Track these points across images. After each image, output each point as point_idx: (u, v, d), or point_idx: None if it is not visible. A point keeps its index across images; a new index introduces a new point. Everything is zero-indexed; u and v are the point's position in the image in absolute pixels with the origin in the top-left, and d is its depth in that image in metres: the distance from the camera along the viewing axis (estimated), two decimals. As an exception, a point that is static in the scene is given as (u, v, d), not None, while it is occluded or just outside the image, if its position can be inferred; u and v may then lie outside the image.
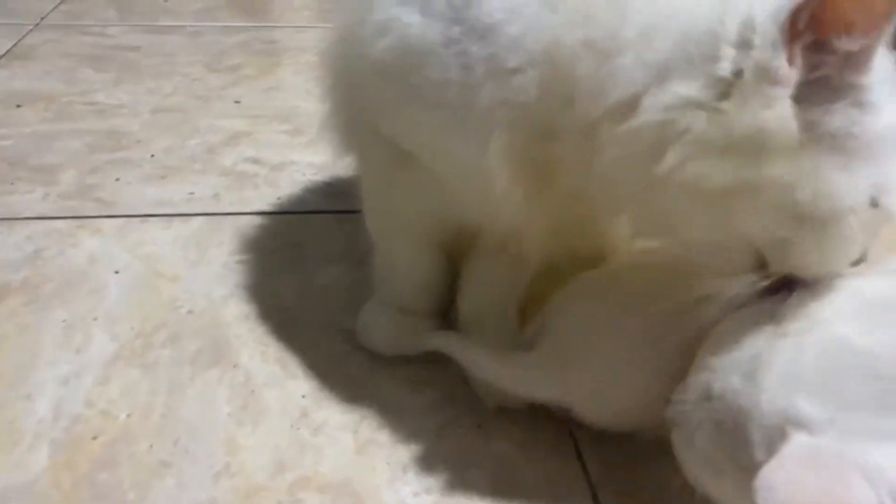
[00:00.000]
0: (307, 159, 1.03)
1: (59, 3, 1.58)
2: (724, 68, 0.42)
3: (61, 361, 0.67)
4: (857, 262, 0.46)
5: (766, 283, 0.46)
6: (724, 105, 0.42)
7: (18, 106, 1.13)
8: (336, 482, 0.58)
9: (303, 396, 0.66)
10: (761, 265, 0.46)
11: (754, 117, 0.41)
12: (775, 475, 0.36)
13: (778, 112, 0.41)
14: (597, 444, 0.60)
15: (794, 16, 0.40)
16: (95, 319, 0.72)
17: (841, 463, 0.35)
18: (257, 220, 0.89)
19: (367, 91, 0.57)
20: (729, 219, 0.44)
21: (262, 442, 0.61)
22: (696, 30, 0.42)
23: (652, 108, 0.43)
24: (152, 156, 1.02)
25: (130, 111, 1.14)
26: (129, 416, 0.63)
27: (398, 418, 0.64)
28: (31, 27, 1.44)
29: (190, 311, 0.75)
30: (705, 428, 0.43)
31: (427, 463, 0.60)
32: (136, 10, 1.58)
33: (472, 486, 0.58)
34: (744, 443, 0.39)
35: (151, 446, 0.60)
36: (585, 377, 0.56)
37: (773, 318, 0.43)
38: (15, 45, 1.36)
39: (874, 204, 0.43)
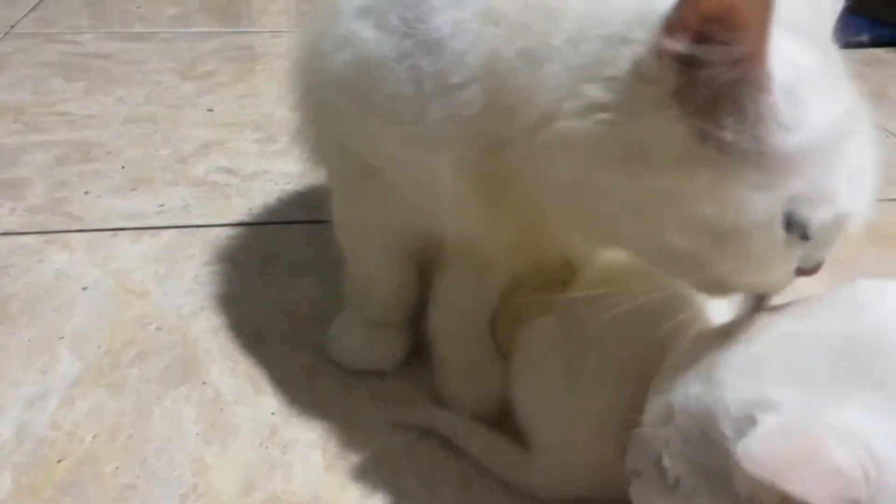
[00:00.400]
0: (280, 168, 1.02)
1: (30, 11, 1.56)
2: (611, 69, 0.40)
3: (26, 382, 0.66)
4: (811, 272, 0.44)
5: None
6: (620, 108, 0.40)
7: (-13, 118, 1.12)
8: (305, 501, 0.57)
9: (272, 413, 0.65)
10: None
11: (640, 122, 0.39)
12: (754, 447, 0.36)
13: (662, 117, 0.38)
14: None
15: (676, 7, 0.36)
16: (62, 338, 0.71)
17: (815, 429, 0.36)
18: (229, 231, 0.89)
19: (331, 104, 0.57)
20: (653, 230, 0.42)
21: (231, 461, 0.60)
22: (612, 31, 0.41)
23: (566, 114, 0.41)
24: (123, 167, 1.01)
25: (101, 121, 1.13)
26: (94, 437, 0.62)
27: (368, 435, 0.63)
28: (0, 36, 1.42)
29: (159, 328, 0.74)
30: (672, 445, 0.42)
31: (397, 481, 0.59)
32: (109, 16, 1.56)
33: (443, 504, 0.57)
34: (715, 444, 0.39)
35: (118, 468, 0.59)
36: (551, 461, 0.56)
37: (718, 334, 0.43)
38: (-16, 54, 1.34)
39: (790, 223, 0.40)
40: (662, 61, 0.38)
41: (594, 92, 0.41)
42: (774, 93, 0.38)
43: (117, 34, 1.46)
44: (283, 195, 0.96)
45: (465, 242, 0.58)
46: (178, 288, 0.79)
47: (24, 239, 0.85)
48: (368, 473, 0.60)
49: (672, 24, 0.37)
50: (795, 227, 0.40)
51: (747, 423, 0.37)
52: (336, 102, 0.56)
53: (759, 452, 0.35)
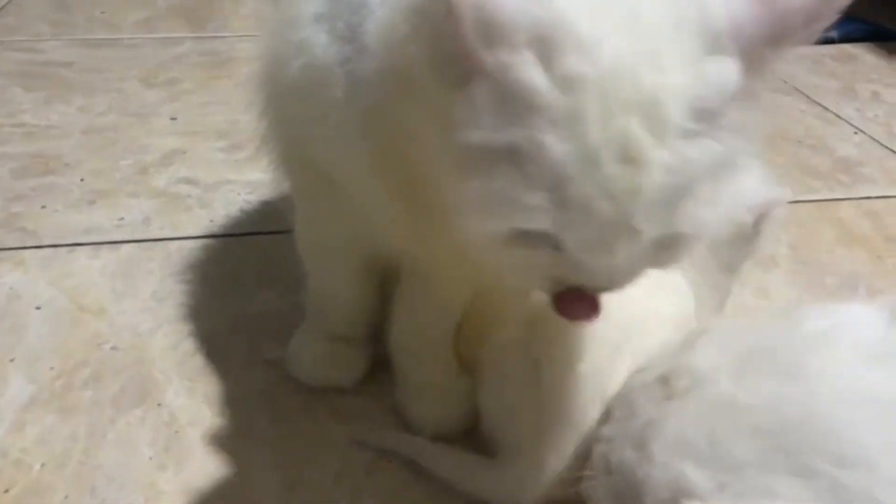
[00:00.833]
0: (244, 177, 1.00)
1: (-9, 18, 1.53)
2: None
3: (-26, 408, 0.64)
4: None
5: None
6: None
7: (-58, 130, 1.09)
8: (261, 527, 0.56)
9: (229, 435, 0.63)
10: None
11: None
12: None
13: None
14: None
15: None
16: (13, 361, 0.69)
17: None
18: (189, 244, 0.87)
19: (289, 112, 0.57)
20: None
21: (185, 486, 0.59)
22: None
23: None
24: (82, 180, 0.99)
25: (60, 132, 1.10)
26: (43, 465, 0.60)
27: (328, 454, 0.62)
28: (-41, 45, 1.39)
29: (114, 348, 0.72)
30: (608, 501, 0.42)
31: (357, 502, 0.58)
32: (72, 22, 1.53)
33: (403, 525, 0.56)
34: None
35: (66, 497, 0.57)
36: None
37: (660, 377, 0.42)
38: (-58, 64, 1.31)
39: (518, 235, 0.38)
40: None
41: None
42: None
43: (80, 41, 1.43)
44: (247, 205, 0.94)
45: (411, 257, 0.56)
46: (136, 305, 0.77)
47: (-23, 257, 0.83)
48: (328, 494, 0.58)
49: None
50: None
51: None
52: (292, 110, 0.55)
53: None
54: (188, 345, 0.72)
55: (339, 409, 0.66)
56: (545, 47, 0.35)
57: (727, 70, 0.36)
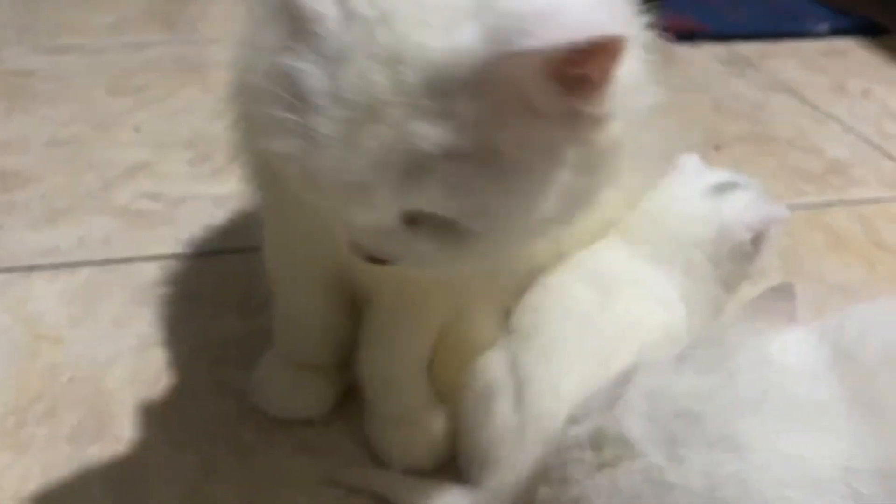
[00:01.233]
0: (210, 191, 0.96)
1: (-49, 25, 1.48)
2: None
3: (-80, 449, 0.61)
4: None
5: None
6: None
7: None
8: (223, 573, 0.53)
9: (191, 470, 0.60)
10: None
11: None
12: None
13: None
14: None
15: None
16: (-38, 396, 0.66)
17: None
18: (152, 265, 0.83)
19: (257, 120, 0.53)
20: None
21: (143, 530, 0.56)
22: None
23: None
24: (42, 196, 0.95)
25: (21, 146, 1.06)
26: (-8, 510, 0.57)
27: (294, 491, 0.59)
28: (-85, 54, 1.34)
29: (71, 379, 0.68)
30: None
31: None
32: (36, 28, 1.48)
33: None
34: None
35: (16, 545, 0.54)
36: None
37: (593, 437, 0.40)
38: None
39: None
40: None
41: None
42: None
43: (43, 48, 1.38)
44: (213, 221, 0.91)
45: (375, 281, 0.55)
46: (95, 332, 0.74)
47: (-72, 283, 0.79)
48: (294, 536, 0.56)
49: None
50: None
51: None
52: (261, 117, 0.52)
53: None
54: (148, 374, 0.69)
55: (306, 443, 0.63)
56: None
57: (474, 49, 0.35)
